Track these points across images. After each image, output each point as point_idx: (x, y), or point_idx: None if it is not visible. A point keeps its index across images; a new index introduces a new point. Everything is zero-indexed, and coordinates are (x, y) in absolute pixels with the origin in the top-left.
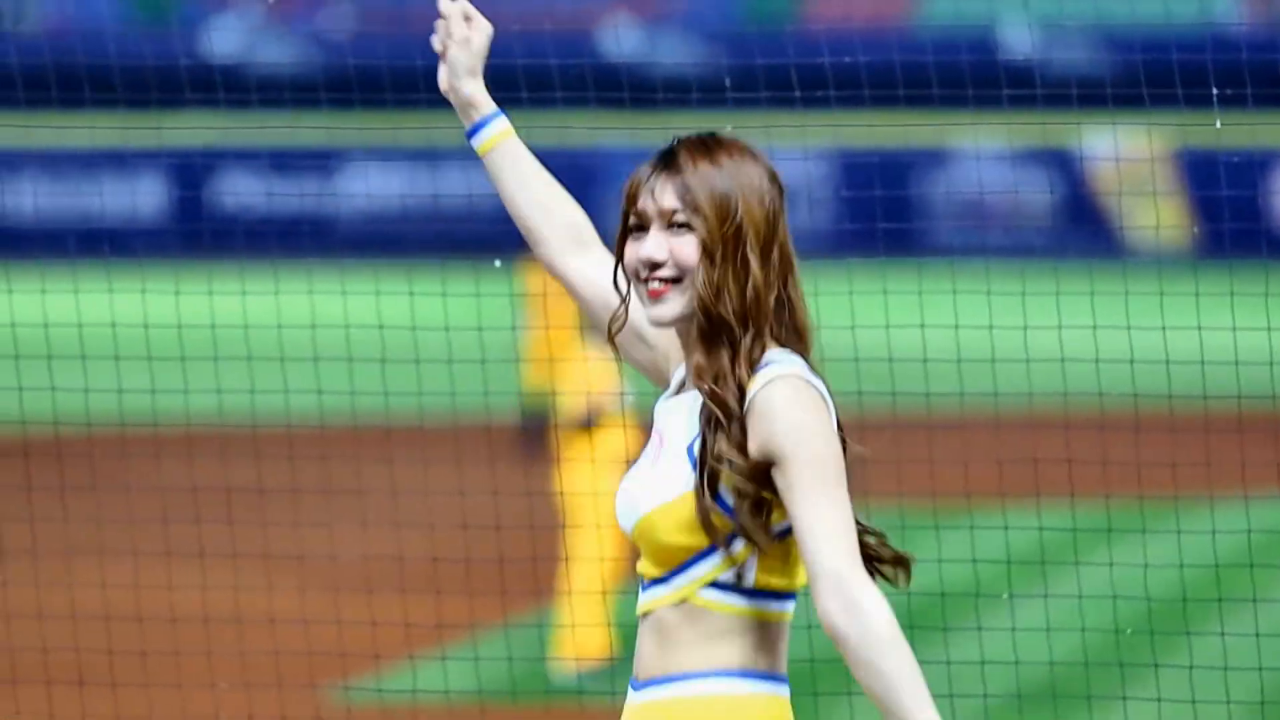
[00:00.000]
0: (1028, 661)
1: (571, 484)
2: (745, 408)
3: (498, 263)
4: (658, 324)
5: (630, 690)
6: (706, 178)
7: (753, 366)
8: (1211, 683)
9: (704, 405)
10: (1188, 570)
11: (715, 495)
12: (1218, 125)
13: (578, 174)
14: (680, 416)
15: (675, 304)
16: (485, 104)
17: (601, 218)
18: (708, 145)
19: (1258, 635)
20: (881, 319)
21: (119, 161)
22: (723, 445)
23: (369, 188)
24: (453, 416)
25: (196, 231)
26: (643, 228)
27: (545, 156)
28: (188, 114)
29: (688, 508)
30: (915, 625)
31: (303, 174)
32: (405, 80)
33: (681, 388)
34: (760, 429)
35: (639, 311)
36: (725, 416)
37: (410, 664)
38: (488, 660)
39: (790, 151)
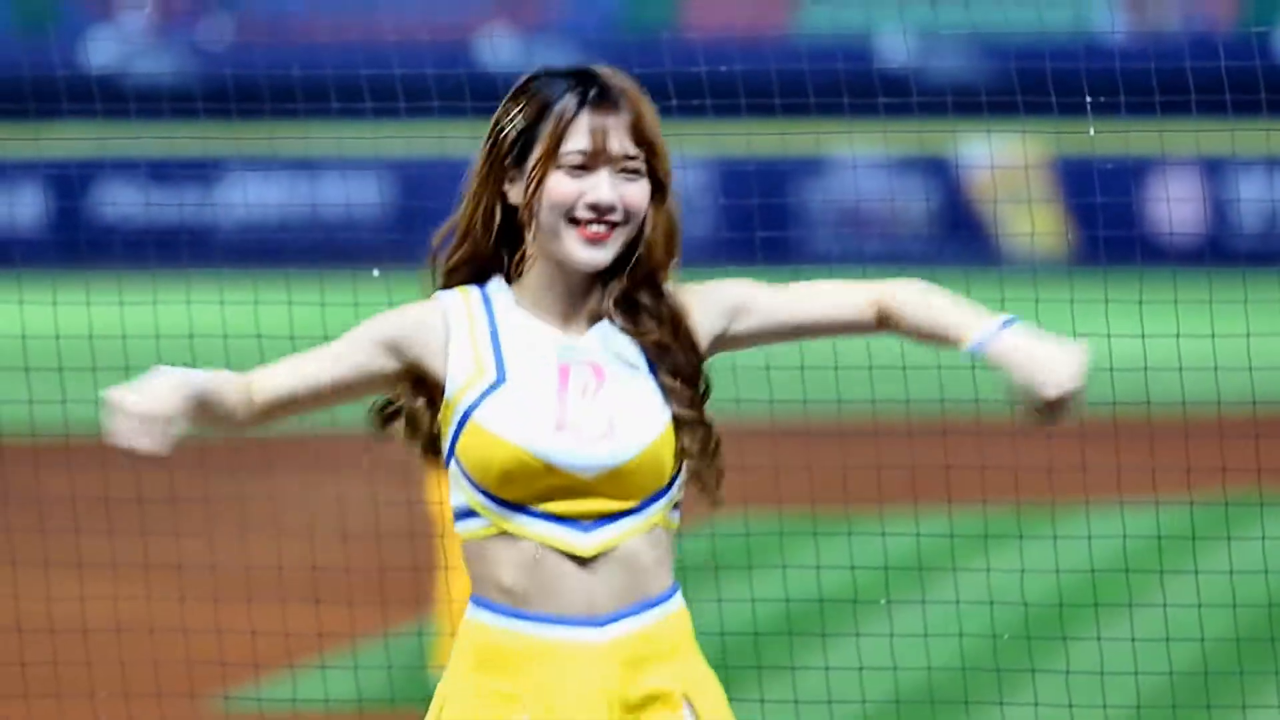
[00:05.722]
0: (905, 667)
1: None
2: (676, 320)
3: (376, 272)
4: (591, 268)
5: (568, 627)
6: (651, 117)
7: None
8: (1088, 688)
9: (659, 342)
10: (1064, 576)
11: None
12: (1091, 133)
13: (457, 183)
14: (611, 347)
15: (613, 249)
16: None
17: None
18: (626, 78)
19: (1134, 640)
20: None
21: None
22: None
23: (247, 198)
24: (332, 425)
25: (74, 242)
26: (584, 167)
27: (424, 166)
28: (65, 125)
29: (671, 435)
30: (794, 632)
31: (181, 184)
32: (283, 91)
33: (569, 323)
34: (707, 307)
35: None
36: (687, 343)
37: (290, 673)
38: (367, 669)
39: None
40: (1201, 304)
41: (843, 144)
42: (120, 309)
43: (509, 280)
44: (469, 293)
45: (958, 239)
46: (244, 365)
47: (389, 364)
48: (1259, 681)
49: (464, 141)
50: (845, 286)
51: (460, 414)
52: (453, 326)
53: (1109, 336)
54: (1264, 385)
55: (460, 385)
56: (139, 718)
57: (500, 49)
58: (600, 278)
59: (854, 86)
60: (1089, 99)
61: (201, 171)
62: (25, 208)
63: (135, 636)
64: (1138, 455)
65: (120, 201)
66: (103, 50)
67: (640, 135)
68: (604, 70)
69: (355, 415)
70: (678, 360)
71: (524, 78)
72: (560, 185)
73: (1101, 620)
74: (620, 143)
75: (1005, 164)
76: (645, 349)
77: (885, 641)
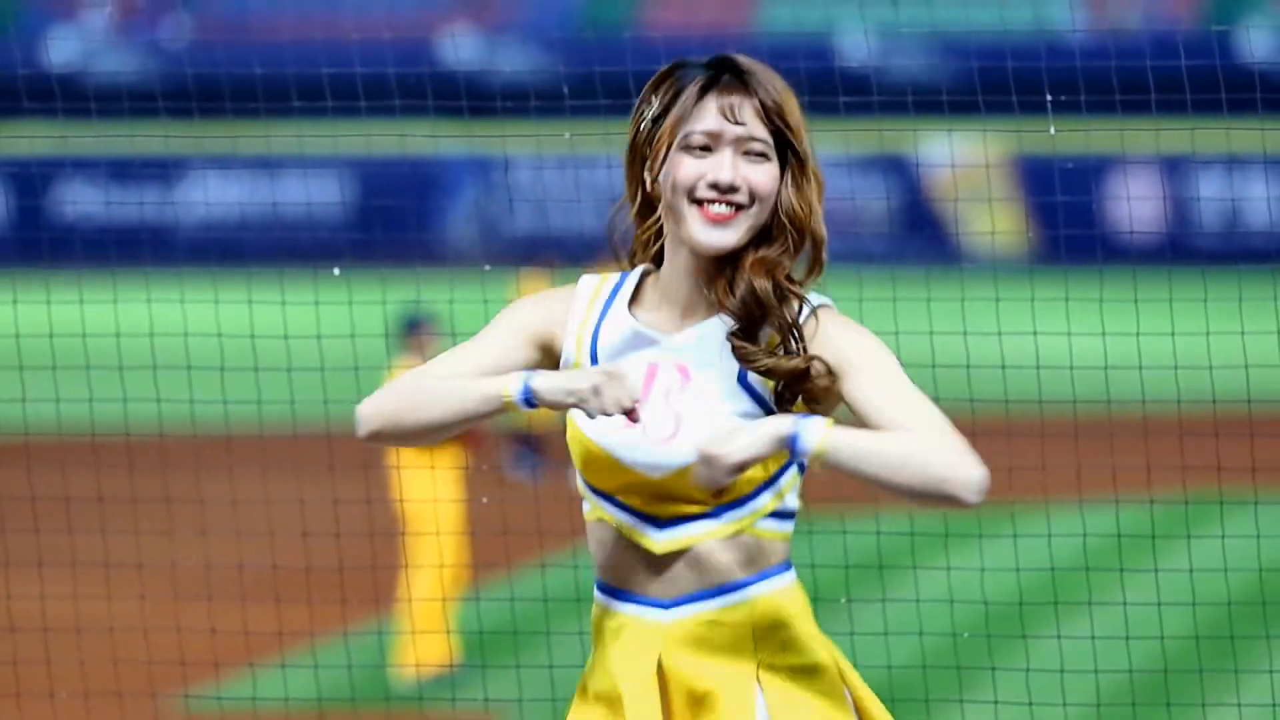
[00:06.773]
0: (866, 666)
1: (411, 491)
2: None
3: (336, 270)
4: (714, 250)
5: (639, 606)
6: (785, 101)
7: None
8: (1048, 685)
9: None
10: (1024, 574)
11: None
12: (1052, 131)
13: (418, 181)
14: (706, 348)
15: (739, 231)
16: None
17: (440, 224)
18: (762, 64)
19: (1093, 638)
20: None
21: None
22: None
23: (208, 196)
24: (292, 425)
25: (35, 241)
26: (707, 148)
27: (386, 165)
28: (26, 123)
29: None
30: None
31: (142, 183)
32: (244, 89)
33: (687, 316)
34: (824, 347)
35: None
36: (790, 330)
37: (250, 672)
38: (327, 668)
39: None
40: (1162, 302)
41: None
42: (80, 308)
43: (657, 265)
44: (605, 280)
45: (918, 238)
46: (204, 364)
47: (536, 357)
48: (1218, 679)
49: (425, 140)
50: (892, 419)
51: None
52: (573, 315)
53: (1069, 335)
54: (1224, 384)
55: None
56: (99, 716)
57: (462, 48)
58: (727, 267)
59: (815, 85)
60: (1049, 98)
61: (162, 171)
62: None
63: (95, 635)
64: (1098, 454)
65: (81, 200)
66: (63, 49)
67: (769, 118)
68: (740, 57)
69: (314, 414)
70: (766, 363)
71: (666, 66)
72: (683, 166)
73: (1061, 618)
74: (745, 124)
75: (966, 163)
76: (735, 340)
77: (846, 640)
